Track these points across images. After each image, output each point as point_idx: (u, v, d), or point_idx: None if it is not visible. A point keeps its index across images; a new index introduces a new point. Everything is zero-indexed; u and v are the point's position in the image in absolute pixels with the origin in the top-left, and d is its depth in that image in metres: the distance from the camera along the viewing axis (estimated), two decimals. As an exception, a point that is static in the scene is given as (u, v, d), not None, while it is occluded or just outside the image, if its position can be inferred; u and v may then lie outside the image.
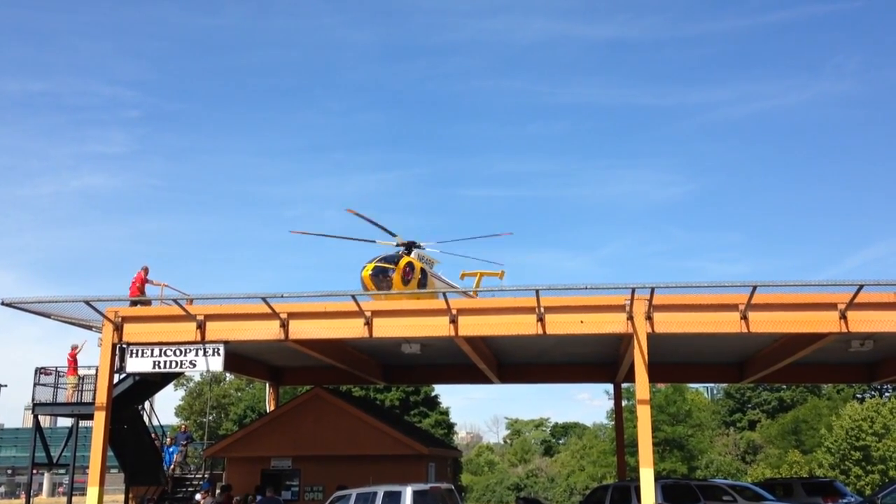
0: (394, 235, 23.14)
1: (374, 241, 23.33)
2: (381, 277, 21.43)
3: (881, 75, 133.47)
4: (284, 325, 17.68)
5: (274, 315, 17.50)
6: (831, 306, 16.18)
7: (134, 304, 19.33)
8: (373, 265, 21.68)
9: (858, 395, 57.63)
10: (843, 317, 16.06)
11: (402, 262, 22.00)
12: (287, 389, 41.28)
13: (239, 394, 64.96)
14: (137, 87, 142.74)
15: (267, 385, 29.92)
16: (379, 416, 28.06)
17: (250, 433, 26.59)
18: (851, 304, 15.86)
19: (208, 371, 18.64)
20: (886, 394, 57.66)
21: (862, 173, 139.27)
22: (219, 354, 17.82)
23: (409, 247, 23.25)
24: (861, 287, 15.46)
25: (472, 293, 24.48)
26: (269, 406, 29.03)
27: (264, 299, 17.11)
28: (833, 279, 18.09)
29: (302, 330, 17.81)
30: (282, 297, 17.06)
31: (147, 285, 20.48)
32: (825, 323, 16.24)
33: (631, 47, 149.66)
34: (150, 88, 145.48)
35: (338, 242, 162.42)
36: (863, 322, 16.12)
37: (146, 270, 20.60)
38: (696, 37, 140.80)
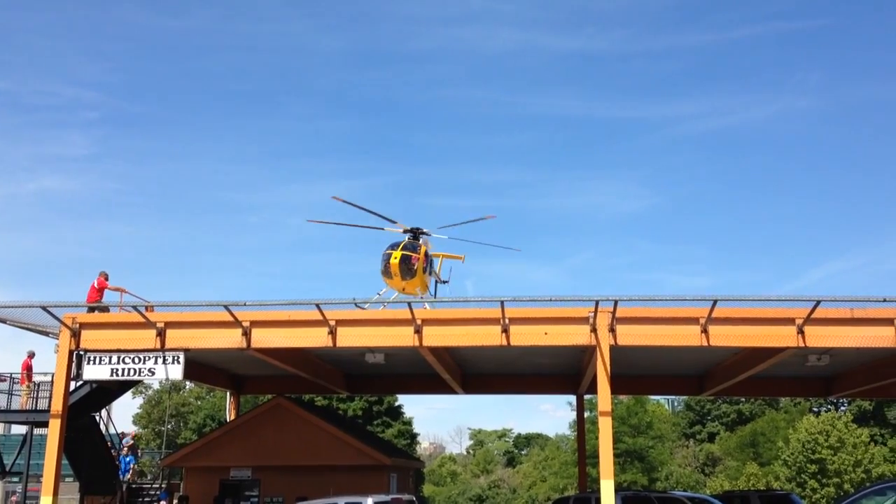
0: (393, 222, 23.40)
1: (382, 229, 23.61)
2: (406, 265, 22.18)
3: (843, 92, 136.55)
4: (247, 334, 17.50)
5: (236, 323, 17.32)
6: (789, 321, 16.46)
7: (92, 310, 18.99)
8: (400, 252, 22.26)
9: (815, 409, 58.68)
10: (801, 332, 16.34)
11: (422, 250, 22.83)
12: (248, 398, 40.81)
13: (199, 402, 64.07)
14: (99, 89, 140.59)
15: (228, 394, 29.56)
16: (341, 425, 27.87)
17: (209, 442, 26.23)
18: (809, 320, 16.15)
19: (167, 379, 18.38)
20: (842, 408, 58.82)
21: (822, 190, 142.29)
22: (178, 362, 17.57)
23: (416, 233, 23.37)
24: (818, 303, 15.76)
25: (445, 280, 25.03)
26: (230, 415, 28.67)
27: (226, 307, 16.92)
28: (792, 294, 18.49)
29: (265, 339, 17.64)
30: (244, 305, 16.89)
31: (105, 291, 20.13)
32: (783, 337, 16.52)
33: (598, 59, 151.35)
34: (112, 90, 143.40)
35: (301, 247, 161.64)
36: (819, 337, 16.41)
37: (105, 276, 20.25)
38: (662, 51, 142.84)
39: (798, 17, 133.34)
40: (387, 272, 22.21)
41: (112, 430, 25.75)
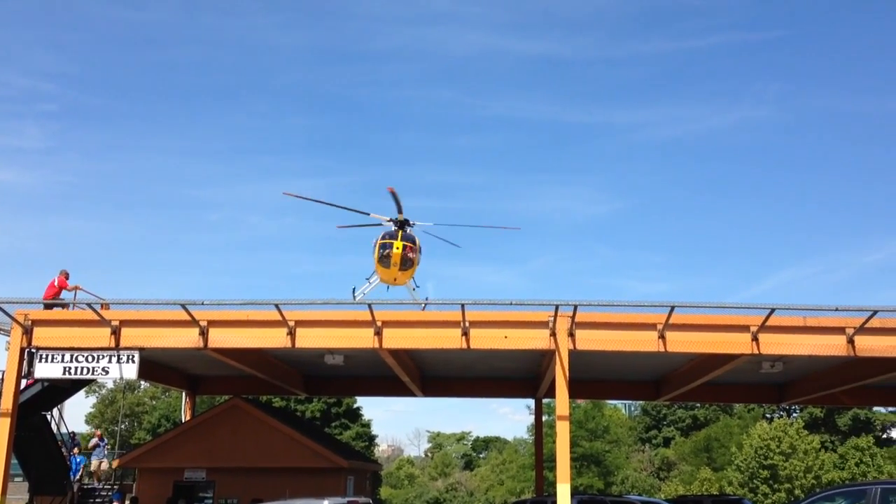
0: (366, 213, 23.37)
1: (367, 214, 23.42)
2: (408, 255, 22.34)
3: (799, 103, 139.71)
4: (204, 333, 17.27)
5: (193, 322, 17.09)
6: (744, 328, 16.73)
7: (47, 307, 18.60)
8: (401, 243, 22.34)
9: (768, 415, 59.79)
10: (755, 339, 16.62)
11: (418, 241, 23.03)
12: (204, 399, 40.32)
13: (153, 402, 63.10)
14: (56, 80, 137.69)
15: (183, 394, 29.16)
16: (298, 427, 27.67)
17: (164, 443, 25.84)
18: (763, 327, 16.44)
19: (122, 378, 18.05)
20: (794, 414, 60.01)
21: (778, 199, 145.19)
22: (133, 361, 17.27)
23: (403, 224, 23.31)
24: (772, 311, 16.04)
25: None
26: (185, 415, 28.29)
27: (183, 306, 16.68)
28: (747, 302, 18.91)
29: (222, 338, 17.43)
30: (202, 304, 16.65)
31: (63, 291, 19.75)
32: (738, 344, 16.78)
33: (563, 64, 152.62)
34: (70, 82, 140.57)
35: (261, 246, 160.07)
36: (773, 344, 16.71)
37: (66, 275, 19.87)
38: (625, 57, 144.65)
39: (757, 28, 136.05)
40: (385, 261, 22.12)
41: (64, 430, 25.19)
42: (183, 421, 28.25)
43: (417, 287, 24.30)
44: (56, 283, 19.75)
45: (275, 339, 17.27)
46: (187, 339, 17.36)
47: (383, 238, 22.73)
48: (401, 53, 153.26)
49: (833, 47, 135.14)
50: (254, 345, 17.73)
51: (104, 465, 26.01)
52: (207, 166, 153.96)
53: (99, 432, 29.82)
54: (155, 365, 23.15)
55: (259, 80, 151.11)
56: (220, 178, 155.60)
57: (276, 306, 16.65)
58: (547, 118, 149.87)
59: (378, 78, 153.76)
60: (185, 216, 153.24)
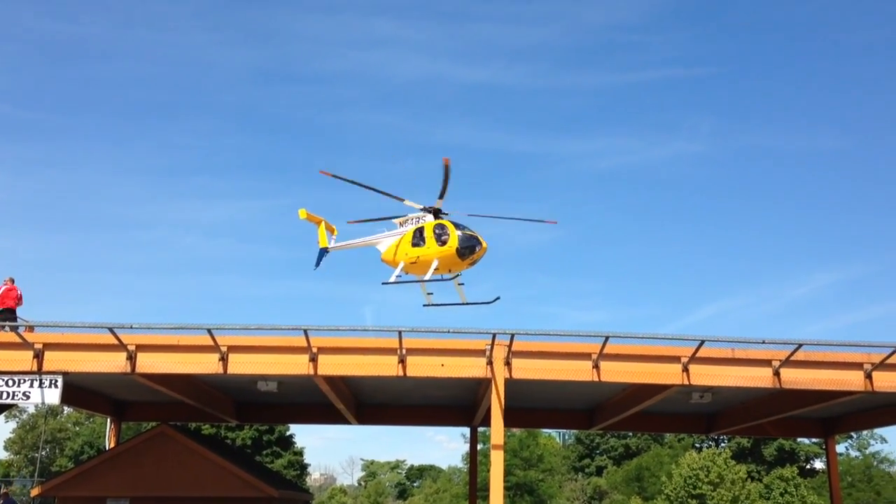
0: (401, 199, 22.83)
1: (403, 201, 22.92)
2: (468, 247, 22.00)
3: (730, 140, 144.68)
4: (132, 358, 16.76)
5: (121, 346, 16.58)
6: (675, 359, 17.05)
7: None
8: (457, 232, 21.90)
9: (697, 445, 60.88)
10: (686, 370, 16.94)
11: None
12: (130, 425, 39.09)
13: (77, 428, 60.89)
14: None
15: (108, 420, 28.18)
16: (228, 455, 26.99)
17: (86, 471, 24.87)
18: (693, 358, 16.78)
19: (44, 404, 17.35)
20: (722, 444, 61.25)
21: (710, 231, 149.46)
22: (56, 386, 16.62)
23: (437, 213, 22.89)
24: (702, 342, 16.40)
25: None
26: (110, 443, 27.34)
27: (111, 329, 16.18)
28: (679, 333, 19.28)
29: (151, 364, 16.94)
30: (131, 327, 16.19)
31: None
32: (669, 375, 17.08)
33: (505, 93, 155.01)
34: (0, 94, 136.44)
35: (196, 268, 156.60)
36: (703, 375, 17.05)
37: (12, 280, 19.31)
38: (566, 89, 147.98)
39: (692, 64, 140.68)
40: (472, 251, 21.83)
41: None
42: (107, 448, 27.28)
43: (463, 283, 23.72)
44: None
45: (206, 364, 16.87)
46: (114, 363, 16.83)
47: (452, 230, 22.00)
48: (343, 77, 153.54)
49: (762, 86, 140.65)
50: (184, 370, 17.29)
51: None
52: (141, 184, 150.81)
53: (5, 490, 28.45)
54: (79, 390, 22.36)
55: (196, 98, 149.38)
56: (153, 196, 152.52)
57: (209, 331, 16.28)
58: (490, 146, 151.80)
59: (320, 100, 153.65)
60: (117, 236, 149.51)
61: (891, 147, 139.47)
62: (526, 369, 17.01)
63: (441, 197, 22.43)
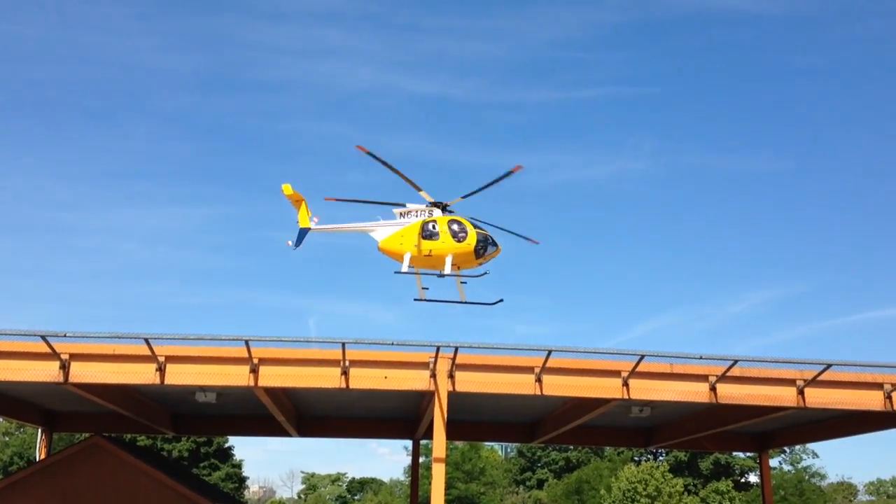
0: (419, 190, 22.11)
1: (404, 205, 22.32)
2: (485, 247, 21.68)
3: (671, 159, 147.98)
4: (65, 367, 16.26)
5: (54, 355, 16.07)
6: (616, 373, 17.27)
7: None
8: (475, 230, 21.56)
9: (636, 458, 61.75)
10: (626, 384, 17.18)
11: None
12: (63, 436, 37.94)
13: (6, 439, 58.78)
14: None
15: (39, 430, 27.29)
16: (163, 468, 26.37)
17: (14, 484, 23.99)
18: (633, 373, 17.02)
19: (-31, 414, 16.73)
20: (660, 458, 62.25)
21: (651, 248, 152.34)
22: (-16, 395, 16.05)
23: (444, 207, 22.35)
24: (642, 357, 16.66)
25: None
26: (40, 454, 26.47)
27: (44, 337, 15.67)
28: (619, 347, 19.59)
29: (85, 373, 16.46)
30: (65, 336, 15.70)
31: None
32: (610, 389, 17.29)
33: (452, 106, 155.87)
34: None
35: (134, 276, 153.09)
36: (642, 390, 17.30)
37: None
38: (512, 104, 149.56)
39: (635, 83, 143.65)
40: (487, 251, 21.52)
41: None
42: (37, 459, 26.41)
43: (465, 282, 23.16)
44: None
45: (143, 375, 16.48)
46: (46, 373, 16.31)
47: (466, 226, 21.65)
48: (291, 86, 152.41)
49: (704, 107, 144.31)
50: (120, 381, 16.85)
51: None
52: (78, 189, 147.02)
53: None
54: (9, 399, 21.66)
55: (138, 102, 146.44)
56: (92, 201, 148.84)
57: (146, 340, 15.90)
58: (436, 158, 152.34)
59: (266, 109, 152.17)
60: (53, 241, 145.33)
61: (825, 171, 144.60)
62: (469, 382, 17.04)
63: (466, 196, 22.02)
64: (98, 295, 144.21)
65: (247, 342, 16.30)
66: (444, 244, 21.69)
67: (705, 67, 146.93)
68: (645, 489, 47.73)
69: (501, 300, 22.66)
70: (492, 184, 21.31)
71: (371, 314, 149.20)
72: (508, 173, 20.77)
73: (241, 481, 55.78)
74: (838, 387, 17.60)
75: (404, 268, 21.92)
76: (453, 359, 16.69)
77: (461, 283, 22.50)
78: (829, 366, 16.70)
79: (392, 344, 16.46)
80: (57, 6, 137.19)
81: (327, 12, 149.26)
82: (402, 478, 69.60)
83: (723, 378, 17.11)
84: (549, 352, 16.48)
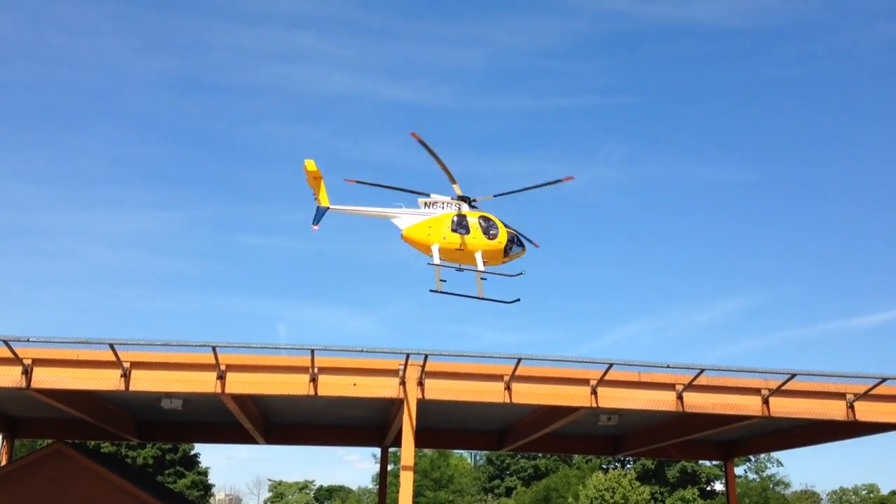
0: (454, 182, 21.92)
1: (428, 195, 22.12)
2: (514, 246, 21.68)
3: (643, 167, 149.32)
4: (27, 372, 15.99)
5: (16, 360, 15.79)
6: (584, 382, 17.36)
7: None
8: (506, 229, 21.61)
9: (604, 466, 62.09)
10: (594, 392, 17.27)
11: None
12: (25, 443, 37.27)
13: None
14: None
15: (0, 437, 26.79)
16: (127, 475, 26.01)
17: (-28, 492, 23.54)
18: (601, 381, 17.13)
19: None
20: (628, 466, 62.65)
21: (621, 257, 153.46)
22: (-58, 401, 15.71)
23: (471, 202, 22.23)
24: (611, 366, 16.77)
25: None
26: (1, 461, 26.01)
27: (6, 342, 15.40)
28: (588, 356, 19.66)
29: (48, 379, 16.19)
30: (27, 340, 15.43)
31: None
32: (578, 397, 17.38)
33: (426, 112, 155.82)
34: None
35: (101, 280, 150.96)
36: (610, 398, 17.42)
37: None
38: (486, 111, 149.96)
39: (608, 93, 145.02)
40: (514, 251, 21.61)
41: None
42: (-4, 467, 25.92)
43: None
44: None
45: (107, 380, 16.24)
46: (8, 377, 16.04)
47: (498, 224, 21.71)
48: (263, 89, 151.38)
49: (675, 117, 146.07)
50: (84, 386, 16.57)
51: None
52: (44, 191, 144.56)
53: None
54: (-32, 405, 21.19)
55: (107, 103, 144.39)
56: (58, 204, 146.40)
57: (111, 346, 15.68)
58: (409, 164, 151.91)
59: (238, 112, 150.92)
60: (17, 244, 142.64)
61: (794, 182, 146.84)
62: (438, 390, 17.02)
63: (498, 196, 22.06)
64: (63, 299, 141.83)
65: (214, 348, 16.12)
66: (476, 240, 21.59)
67: (678, 78, 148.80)
68: (612, 497, 48.04)
69: (518, 300, 22.50)
70: (535, 187, 21.46)
71: (342, 319, 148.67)
72: (557, 181, 20.94)
73: (207, 489, 55.12)
74: (802, 396, 17.87)
75: (436, 259, 21.63)
76: (423, 366, 16.66)
77: (481, 279, 22.32)
78: (793, 375, 16.94)
79: (361, 351, 16.39)
80: (27, 6, 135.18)
81: (300, 17, 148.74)
82: (370, 486, 69.28)
83: (689, 387, 17.28)
84: (519, 360, 16.52)
